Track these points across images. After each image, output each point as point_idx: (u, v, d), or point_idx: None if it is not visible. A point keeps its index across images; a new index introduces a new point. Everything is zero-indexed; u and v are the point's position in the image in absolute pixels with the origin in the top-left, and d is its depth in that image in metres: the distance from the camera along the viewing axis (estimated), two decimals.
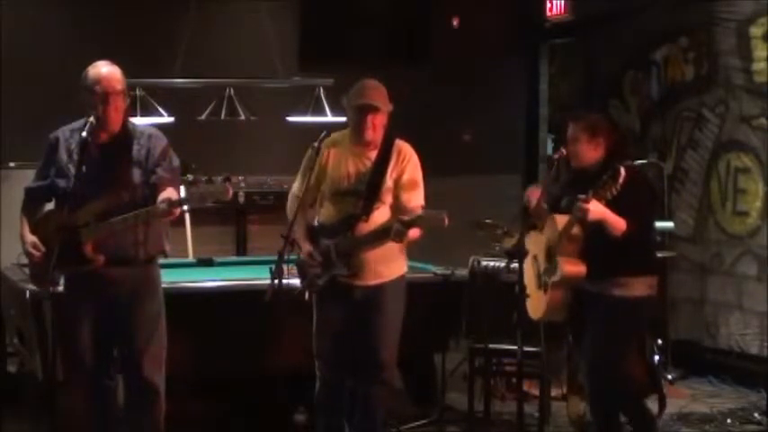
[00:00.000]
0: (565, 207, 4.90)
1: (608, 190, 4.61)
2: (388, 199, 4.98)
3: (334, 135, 5.10)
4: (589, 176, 4.83)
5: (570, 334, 5.47)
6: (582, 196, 4.65)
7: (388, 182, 4.98)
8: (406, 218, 4.78)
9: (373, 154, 5.01)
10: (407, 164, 5.00)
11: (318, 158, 5.02)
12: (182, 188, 4.86)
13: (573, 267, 4.85)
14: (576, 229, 4.84)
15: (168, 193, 4.59)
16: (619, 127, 8.06)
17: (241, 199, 8.04)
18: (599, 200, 4.64)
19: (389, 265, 5.02)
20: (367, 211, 4.94)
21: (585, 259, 4.87)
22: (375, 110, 4.93)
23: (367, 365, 5.05)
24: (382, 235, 4.88)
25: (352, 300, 4.99)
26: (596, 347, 4.94)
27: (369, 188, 4.96)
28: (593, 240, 4.82)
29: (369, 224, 4.93)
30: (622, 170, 4.60)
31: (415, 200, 4.97)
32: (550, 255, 4.94)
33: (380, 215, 4.97)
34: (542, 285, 5.01)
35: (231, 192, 4.52)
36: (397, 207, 4.95)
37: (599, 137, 4.93)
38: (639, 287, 4.92)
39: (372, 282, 4.98)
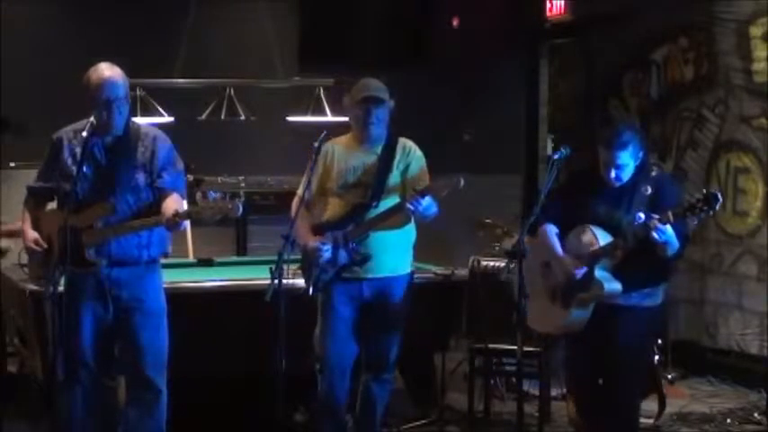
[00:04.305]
0: (630, 228, 4.55)
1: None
2: (396, 190, 5.01)
3: (336, 138, 5.15)
4: (620, 191, 4.69)
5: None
6: (655, 216, 4.38)
7: (395, 173, 5.02)
8: (419, 187, 4.82)
9: (378, 149, 5.06)
10: (413, 157, 5.07)
11: (322, 158, 5.05)
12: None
13: (613, 284, 4.62)
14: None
15: (174, 201, 4.58)
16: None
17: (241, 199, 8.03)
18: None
19: (397, 259, 5.06)
20: (377, 198, 4.97)
21: (620, 273, 4.64)
22: (378, 102, 4.98)
23: (373, 363, 5.09)
24: (395, 209, 4.90)
25: (361, 296, 5.02)
26: (624, 360, 4.74)
27: (377, 179, 4.99)
28: (630, 254, 4.59)
29: (377, 211, 4.97)
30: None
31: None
32: (590, 269, 4.69)
33: (389, 204, 4.99)
34: (562, 299, 4.80)
35: (240, 210, 4.49)
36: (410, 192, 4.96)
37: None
38: (661, 294, 4.81)
39: (381, 275, 5.01)
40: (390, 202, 4.99)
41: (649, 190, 4.63)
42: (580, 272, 4.66)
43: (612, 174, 4.67)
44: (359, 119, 5.03)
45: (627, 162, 4.65)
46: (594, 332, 4.72)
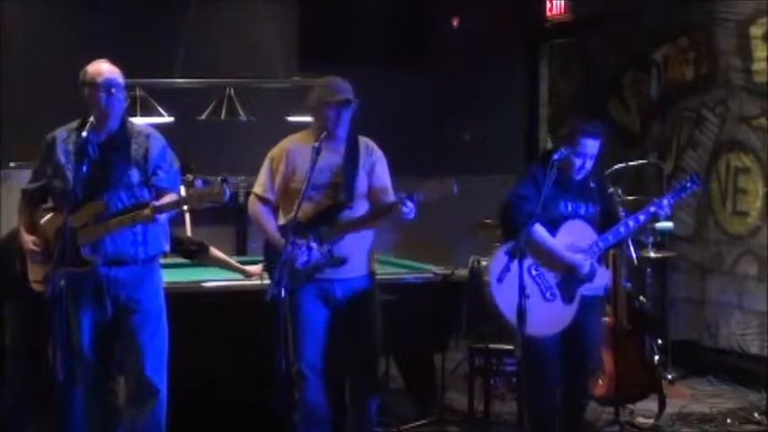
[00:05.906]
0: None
1: None
2: (363, 190, 4.99)
3: (292, 137, 5.10)
4: (581, 185, 5.01)
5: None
6: (658, 202, 4.96)
7: (362, 174, 4.99)
8: (405, 195, 4.80)
9: (341, 148, 5.00)
10: (376, 157, 5.05)
11: (282, 157, 4.99)
12: (182, 188, 4.86)
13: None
14: None
15: (168, 197, 4.58)
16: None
17: (241, 199, 8.04)
18: None
19: (365, 259, 5.04)
20: (350, 200, 4.93)
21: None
22: (350, 104, 4.95)
23: (357, 365, 5.02)
24: (385, 212, 4.91)
25: (333, 296, 4.97)
26: (594, 347, 5.04)
27: (347, 180, 4.94)
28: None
29: (352, 212, 4.94)
30: None
31: (391, 188, 5.02)
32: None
33: (360, 206, 4.98)
34: (563, 294, 4.95)
35: (228, 194, 4.50)
36: (377, 196, 4.98)
37: None
38: None
39: (352, 275, 4.97)
40: (359, 203, 4.96)
41: (593, 184, 5.01)
42: (586, 265, 4.90)
43: (583, 164, 4.93)
44: (330, 119, 4.94)
45: (595, 154, 4.92)
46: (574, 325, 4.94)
